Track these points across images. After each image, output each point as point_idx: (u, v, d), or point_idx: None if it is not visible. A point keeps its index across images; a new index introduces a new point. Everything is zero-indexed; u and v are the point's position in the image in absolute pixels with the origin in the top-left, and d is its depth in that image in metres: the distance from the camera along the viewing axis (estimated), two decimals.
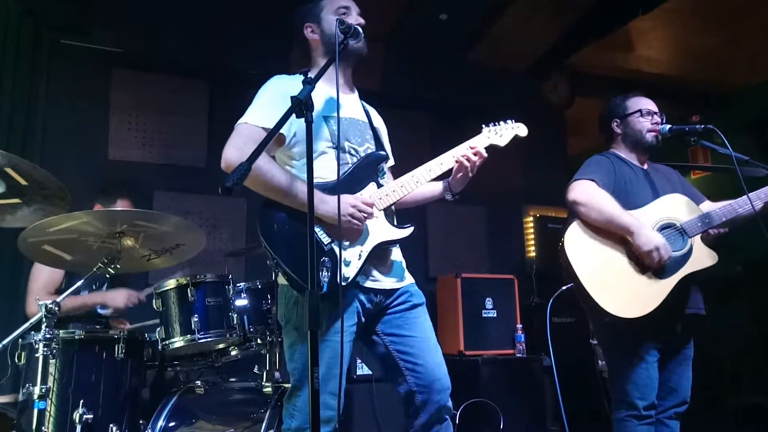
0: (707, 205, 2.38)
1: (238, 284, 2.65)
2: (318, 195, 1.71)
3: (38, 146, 3.73)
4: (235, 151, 1.72)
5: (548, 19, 4.33)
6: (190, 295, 2.44)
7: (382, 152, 1.97)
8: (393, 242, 1.89)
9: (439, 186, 2.07)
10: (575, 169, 2.43)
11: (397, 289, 1.94)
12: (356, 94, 2.08)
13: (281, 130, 1.76)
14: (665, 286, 2.18)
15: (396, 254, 1.98)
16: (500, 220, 4.91)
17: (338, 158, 1.82)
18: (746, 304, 4.50)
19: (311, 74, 1.60)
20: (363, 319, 1.87)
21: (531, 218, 4.87)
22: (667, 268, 2.19)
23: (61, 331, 2.16)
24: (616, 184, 2.33)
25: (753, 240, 2.17)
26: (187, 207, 3.99)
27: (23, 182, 1.84)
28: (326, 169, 1.83)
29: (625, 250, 2.23)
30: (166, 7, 3.87)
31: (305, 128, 1.49)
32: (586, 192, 2.27)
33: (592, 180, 2.29)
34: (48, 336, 1.95)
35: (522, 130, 2.09)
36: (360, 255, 1.81)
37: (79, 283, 2.13)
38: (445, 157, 1.97)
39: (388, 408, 2.07)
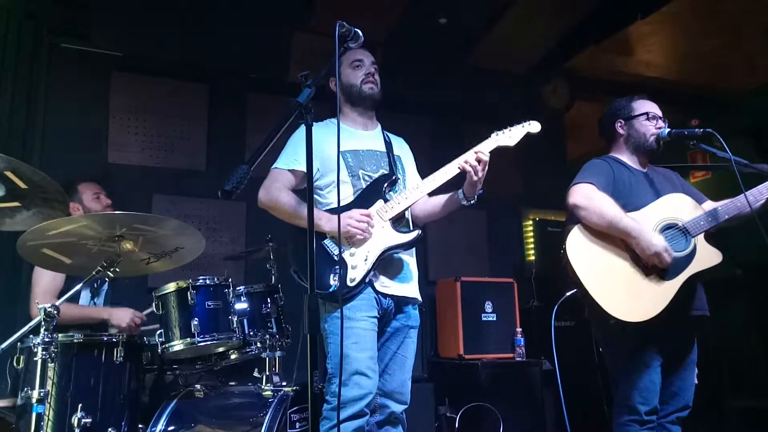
0: (709, 205, 2.37)
1: (237, 288, 2.64)
2: (324, 215, 2.10)
3: (38, 149, 3.73)
4: (263, 191, 2.16)
5: (548, 23, 4.34)
6: (190, 298, 2.43)
7: (389, 173, 2.22)
8: (398, 246, 2.11)
9: (453, 194, 2.23)
10: (575, 173, 2.43)
11: (405, 299, 2.17)
12: (378, 128, 2.37)
13: (302, 168, 2.11)
14: (670, 288, 2.17)
15: (408, 264, 2.21)
16: (500, 224, 4.91)
17: (338, 165, 1.98)
18: (746, 307, 4.49)
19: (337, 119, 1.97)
20: (379, 315, 2.09)
21: (530, 222, 4.87)
22: (671, 269, 2.18)
23: (59, 335, 2.15)
24: (615, 187, 2.33)
25: (753, 243, 2.17)
26: (186, 210, 3.99)
27: (23, 186, 1.84)
28: (344, 196, 2.15)
29: (629, 253, 2.22)
30: (166, 11, 3.87)
31: (305, 134, 1.59)
32: (586, 195, 2.27)
33: (592, 183, 2.29)
34: (47, 339, 1.95)
35: (534, 126, 2.21)
36: (366, 258, 2.06)
37: (78, 287, 2.12)
38: (450, 166, 2.15)
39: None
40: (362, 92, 2.25)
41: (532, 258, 4.78)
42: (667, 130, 2.41)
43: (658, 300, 2.15)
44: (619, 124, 2.50)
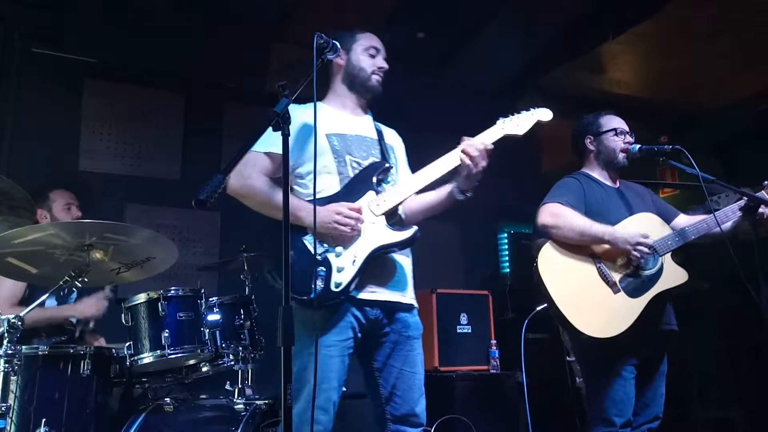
0: (683, 219, 2.43)
1: (210, 299, 2.60)
2: (305, 206, 1.81)
3: (6, 156, 3.64)
4: (236, 176, 1.84)
5: (522, 41, 4.43)
6: (160, 309, 2.38)
7: (381, 161, 2.01)
8: (392, 246, 1.89)
9: (447, 188, 2.00)
10: (548, 186, 2.47)
11: (398, 305, 1.95)
12: (369, 116, 2.18)
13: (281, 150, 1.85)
14: (637, 306, 2.22)
15: (402, 266, 1.99)
16: (475, 237, 4.95)
17: (315, 174, 1.82)
18: (714, 319, 4.59)
19: (322, 96, 1.80)
20: (359, 335, 1.87)
21: (505, 234, 4.93)
22: (638, 287, 2.23)
23: (23, 347, 2.09)
24: (587, 205, 2.37)
25: (720, 257, 2.23)
26: (159, 220, 3.92)
27: None
28: (329, 185, 1.93)
29: (598, 271, 2.27)
30: (142, 18, 3.84)
31: (282, 143, 1.52)
32: (554, 213, 2.31)
33: (560, 202, 2.33)
34: (9, 352, 1.88)
35: (544, 114, 2.03)
36: (354, 261, 1.82)
37: (43, 297, 2.06)
38: (449, 156, 1.94)
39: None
40: (369, 81, 2.06)
41: (507, 270, 4.83)
42: (638, 146, 2.47)
43: (626, 317, 2.19)
44: (588, 140, 2.56)
